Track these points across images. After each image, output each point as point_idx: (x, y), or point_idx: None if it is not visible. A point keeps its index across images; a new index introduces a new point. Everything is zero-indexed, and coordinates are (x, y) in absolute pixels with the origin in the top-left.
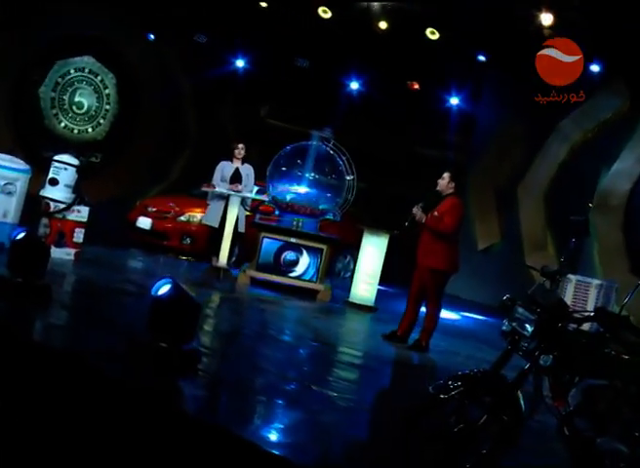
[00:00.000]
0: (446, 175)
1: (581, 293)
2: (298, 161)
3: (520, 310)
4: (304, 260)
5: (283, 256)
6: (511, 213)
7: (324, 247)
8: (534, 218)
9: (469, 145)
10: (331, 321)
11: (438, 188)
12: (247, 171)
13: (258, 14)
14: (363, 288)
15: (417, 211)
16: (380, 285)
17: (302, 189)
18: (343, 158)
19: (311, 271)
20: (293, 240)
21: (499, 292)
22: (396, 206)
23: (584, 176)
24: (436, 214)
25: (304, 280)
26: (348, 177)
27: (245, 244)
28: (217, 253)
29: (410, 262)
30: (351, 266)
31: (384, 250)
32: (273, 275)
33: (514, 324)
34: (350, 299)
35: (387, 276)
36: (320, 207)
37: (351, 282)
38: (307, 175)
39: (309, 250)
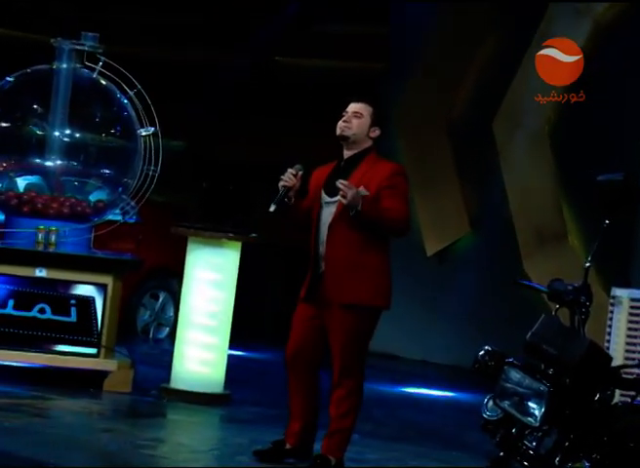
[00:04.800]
0: (360, 106)
1: None
2: (33, 105)
3: (515, 375)
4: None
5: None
6: (486, 174)
7: (108, 280)
8: (532, 180)
9: (387, 49)
10: (137, 435)
11: (345, 133)
12: None
13: None
14: (196, 356)
15: (347, 188)
16: (233, 346)
17: (50, 163)
18: (131, 92)
19: (87, 333)
20: (40, 273)
21: (474, 340)
22: (259, 180)
23: (625, 88)
24: (362, 190)
25: (74, 354)
26: (144, 132)
27: None
28: None
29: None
30: (170, 314)
31: (235, 274)
32: (9, 352)
33: (506, 404)
34: (173, 384)
35: (247, 327)
36: (92, 197)
37: (173, 347)
38: (57, 131)
39: (79, 290)
